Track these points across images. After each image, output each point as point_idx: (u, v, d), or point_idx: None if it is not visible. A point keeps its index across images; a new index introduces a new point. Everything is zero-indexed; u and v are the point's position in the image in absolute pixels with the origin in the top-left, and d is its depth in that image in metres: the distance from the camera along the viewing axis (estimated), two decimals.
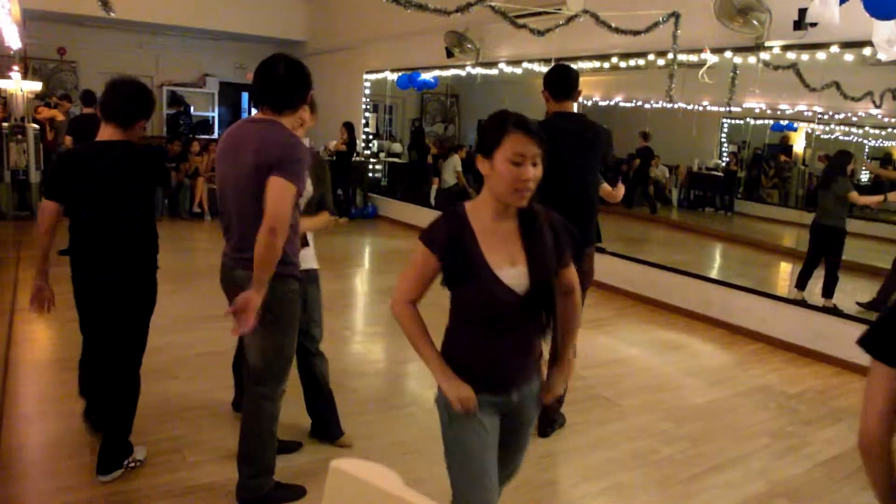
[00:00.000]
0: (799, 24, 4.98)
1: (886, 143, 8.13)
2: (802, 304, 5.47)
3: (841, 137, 7.86)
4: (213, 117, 13.64)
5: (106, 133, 2.76)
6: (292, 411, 3.31)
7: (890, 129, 7.81)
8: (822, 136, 8.01)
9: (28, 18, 9.67)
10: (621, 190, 3.84)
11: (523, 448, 2.08)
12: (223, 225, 2.63)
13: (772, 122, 8.84)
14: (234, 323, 2.38)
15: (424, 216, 9.94)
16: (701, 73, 5.65)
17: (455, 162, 10.14)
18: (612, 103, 9.15)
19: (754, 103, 7.49)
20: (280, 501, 2.73)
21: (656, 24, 5.84)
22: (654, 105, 8.55)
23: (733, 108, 7.20)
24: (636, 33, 5.90)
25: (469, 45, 8.29)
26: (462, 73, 8.88)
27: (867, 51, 4.79)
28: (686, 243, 9.32)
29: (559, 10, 6.26)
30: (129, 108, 2.76)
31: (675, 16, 5.78)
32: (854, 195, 5.55)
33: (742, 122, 9.11)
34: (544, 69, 7.28)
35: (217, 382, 3.78)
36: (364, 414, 3.64)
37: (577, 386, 4.14)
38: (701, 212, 10.13)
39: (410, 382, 4.37)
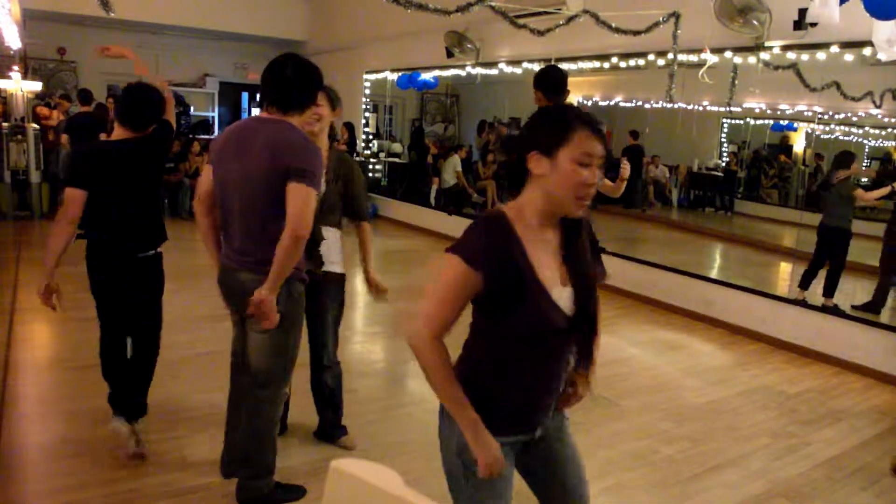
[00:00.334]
0: (799, 24, 4.98)
1: (886, 143, 8.13)
2: (803, 304, 5.47)
3: (841, 137, 7.86)
4: (213, 117, 13.64)
5: (121, 133, 3.02)
6: (293, 412, 3.31)
7: (890, 129, 7.81)
8: (822, 136, 8.01)
9: (28, 18, 9.68)
10: (622, 185, 3.93)
11: (575, 473, 1.75)
12: (222, 224, 2.60)
13: (772, 122, 8.84)
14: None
15: (424, 216, 9.95)
16: (701, 73, 5.65)
17: (455, 162, 10.14)
18: (612, 103, 9.15)
19: (754, 103, 7.50)
20: (280, 502, 2.72)
21: (656, 24, 5.84)
22: (654, 105, 8.54)
23: (733, 108, 7.21)
24: (636, 33, 5.90)
25: (469, 45, 8.29)
26: (462, 73, 8.88)
27: (867, 51, 4.79)
28: (686, 243, 9.32)
29: (559, 10, 6.26)
30: (146, 113, 3.05)
31: (675, 16, 5.78)
32: (860, 192, 5.54)
33: (742, 122, 9.11)
34: None
35: (217, 382, 3.76)
36: (364, 414, 3.64)
37: None
38: (701, 212, 10.13)
39: (410, 382, 4.37)
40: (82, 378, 3.84)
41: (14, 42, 8.46)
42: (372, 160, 11.25)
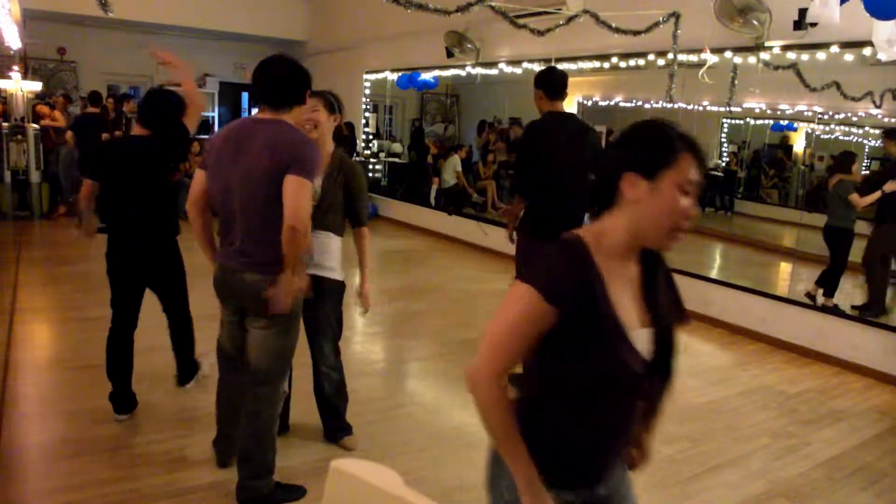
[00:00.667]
0: (799, 24, 4.98)
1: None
2: (802, 304, 5.47)
3: (841, 137, 7.85)
4: (213, 117, 13.64)
5: (138, 131, 3.41)
6: (295, 412, 3.32)
7: None
8: (822, 137, 8.01)
9: (28, 18, 9.68)
10: None
11: None
12: (221, 225, 2.61)
13: (772, 122, 8.84)
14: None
15: (424, 216, 9.95)
16: (701, 73, 5.66)
17: (455, 162, 10.15)
18: (612, 103, 9.14)
19: (754, 103, 7.49)
20: (280, 502, 2.73)
21: (656, 24, 5.84)
22: (654, 105, 8.53)
23: (733, 108, 7.20)
24: (636, 33, 5.90)
25: (469, 45, 8.29)
26: (462, 73, 8.88)
27: (867, 51, 4.79)
28: (686, 243, 9.22)
29: (559, 10, 6.26)
30: (160, 114, 3.37)
31: (675, 16, 5.78)
32: (854, 197, 5.55)
33: (742, 122, 9.10)
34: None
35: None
36: (364, 414, 3.64)
37: None
38: (701, 212, 10.12)
39: (410, 382, 4.37)
40: (82, 378, 3.85)
41: (14, 42, 8.46)
42: (372, 160, 11.25)
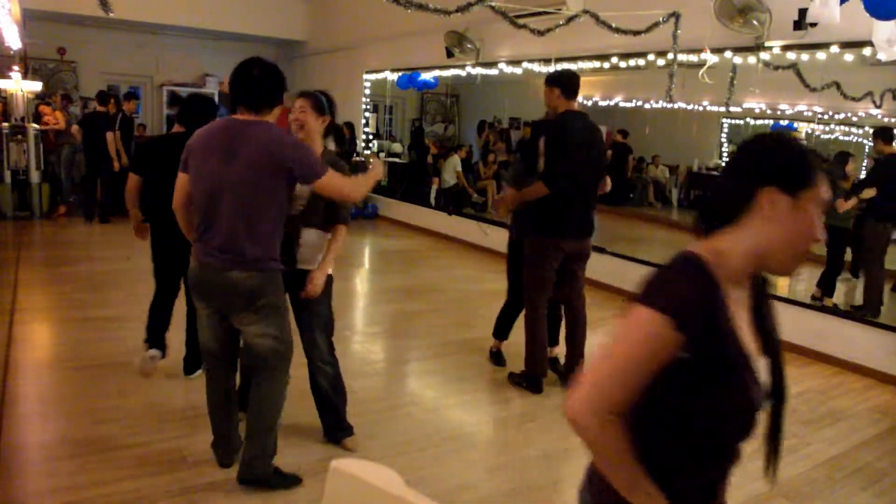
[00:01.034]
0: (799, 24, 4.98)
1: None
2: (802, 304, 5.47)
3: (841, 137, 7.85)
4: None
5: (177, 129, 3.75)
6: (295, 412, 3.31)
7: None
8: (822, 137, 8.00)
9: (28, 18, 9.68)
10: (608, 182, 4.19)
11: None
12: (201, 223, 2.62)
13: (772, 122, 8.84)
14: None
15: (424, 216, 9.95)
16: (701, 73, 5.65)
17: (455, 162, 10.15)
18: (612, 103, 9.14)
19: (754, 103, 7.49)
20: (277, 486, 2.81)
21: (656, 24, 5.84)
22: (654, 105, 8.54)
23: (733, 108, 7.19)
24: (636, 33, 5.90)
25: (469, 45, 8.29)
26: (462, 73, 8.88)
27: (867, 51, 4.79)
28: (686, 243, 9.27)
29: (559, 10, 6.26)
30: (194, 114, 3.65)
31: (675, 16, 5.78)
32: (839, 201, 5.60)
33: (742, 122, 9.10)
34: (544, 69, 7.33)
35: None
36: (364, 414, 3.64)
37: None
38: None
39: (410, 382, 4.37)
40: (82, 378, 3.85)
41: (14, 42, 8.46)
42: (372, 160, 11.25)
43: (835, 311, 5.35)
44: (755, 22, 5.15)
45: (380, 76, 10.63)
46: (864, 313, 5.31)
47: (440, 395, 4.08)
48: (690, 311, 1.11)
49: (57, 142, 9.25)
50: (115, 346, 4.35)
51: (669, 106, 6.50)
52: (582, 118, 3.98)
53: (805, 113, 7.31)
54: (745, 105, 7.39)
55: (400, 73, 9.98)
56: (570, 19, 6.16)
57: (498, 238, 7.60)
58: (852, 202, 5.61)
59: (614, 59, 6.69)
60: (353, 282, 7.10)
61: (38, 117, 9.11)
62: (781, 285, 6.80)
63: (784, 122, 8.67)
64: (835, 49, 5.01)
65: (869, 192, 5.52)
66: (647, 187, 10.20)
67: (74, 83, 12.20)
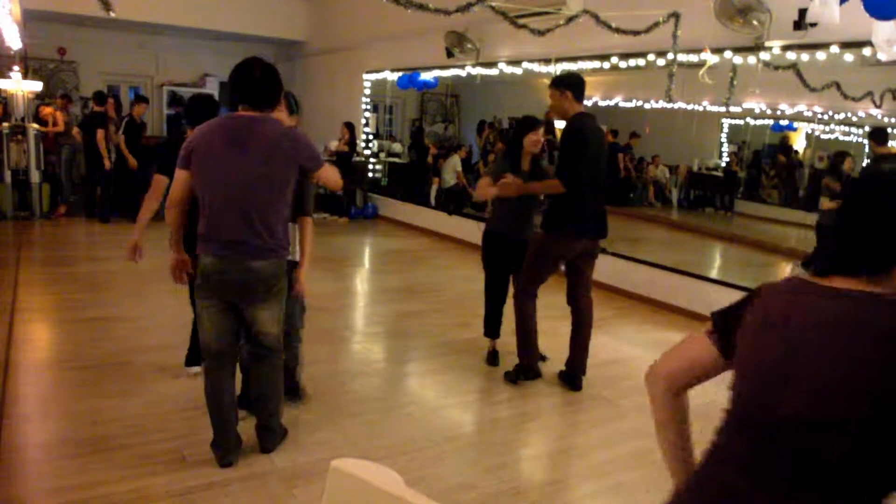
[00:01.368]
0: (799, 24, 4.98)
1: (890, 144, 8.13)
2: None
3: (841, 137, 7.85)
4: None
5: (191, 131, 3.60)
6: (293, 412, 3.31)
7: (890, 130, 7.82)
8: (821, 137, 8.01)
9: (28, 18, 9.67)
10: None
11: None
12: (210, 218, 2.69)
13: (772, 122, 8.84)
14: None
15: (424, 216, 9.95)
16: (701, 73, 5.65)
17: (455, 162, 10.14)
18: (612, 103, 9.14)
19: (754, 103, 7.49)
20: (284, 436, 3.17)
21: (656, 24, 5.84)
22: (654, 105, 8.54)
23: (733, 108, 7.20)
24: (636, 33, 5.90)
25: (469, 45, 8.29)
26: (462, 73, 8.87)
27: (867, 51, 4.79)
28: (686, 243, 9.32)
29: (559, 10, 6.26)
30: (199, 115, 3.61)
31: (675, 16, 5.77)
32: (824, 200, 5.69)
33: (742, 122, 9.10)
34: (544, 69, 7.34)
35: None
36: (364, 414, 3.64)
37: None
38: (701, 212, 10.13)
39: (410, 382, 4.37)
40: (82, 378, 3.85)
41: (14, 42, 8.46)
42: (372, 160, 11.25)
43: None
44: (755, 22, 5.15)
45: (380, 76, 10.63)
46: None
47: (440, 395, 4.08)
48: None
49: (57, 142, 9.25)
50: (115, 346, 4.36)
51: (669, 106, 6.50)
52: (592, 120, 4.02)
53: (805, 113, 7.32)
54: (745, 105, 7.39)
55: (400, 73, 9.98)
56: (570, 19, 6.16)
57: None
58: (833, 204, 5.70)
59: (614, 59, 6.68)
60: (353, 282, 7.10)
61: (40, 120, 9.12)
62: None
63: (784, 122, 8.68)
64: (835, 49, 5.01)
65: (831, 205, 5.71)
66: (648, 187, 10.21)
67: (74, 83, 12.20)
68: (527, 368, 4.19)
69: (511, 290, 4.55)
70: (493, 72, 8.41)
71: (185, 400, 3.64)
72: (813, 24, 4.78)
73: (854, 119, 7.34)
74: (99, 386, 3.75)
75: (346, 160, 10.34)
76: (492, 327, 4.57)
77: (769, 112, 8.09)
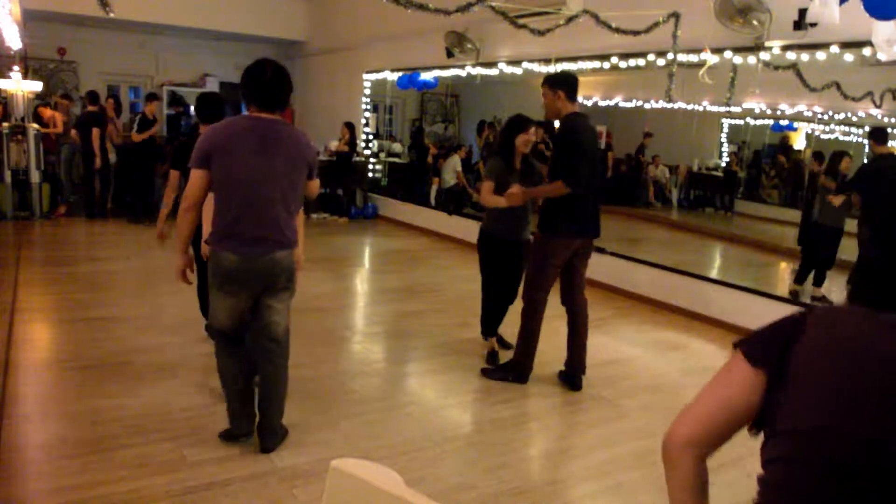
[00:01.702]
0: (799, 25, 4.98)
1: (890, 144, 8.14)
2: (802, 304, 5.47)
3: (841, 137, 7.86)
4: None
5: (204, 128, 3.72)
6: (293, 412, 3.31)
7: (890, 129, 7.82)
8: (821, 137, 8.01)
9: (28, 18, 9.67)
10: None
11: None
12: (233, 215, 2.78)
13: (772, 122, 8.84)
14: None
15: (424, 216, 9.95)
16: (701, 73, 5.65)
17: (455, 162, 10.14)
18: (612, 103, 9.14)
19: (754, 103, 7.49)
20: (285, 436, 3.21)
21: (656, 24, 5.84)
22: (654, 105, 8.54)
23: (733, 108, 7.20)
24: (636, 33, 5.90)
25: (469, 45, 8.29)
26: (462, 73, 8.87)
27: (867, 51, 4.79)
28: (686, 243, 9.32)
29: (559, 10, 6.26)
30: (209, 112, 3.93)
31: (675, 16, 5.77)
32: (830, 196, 5.75)
33: (742, 122, 9.10)
34: (544, 69, 7.33)
35: (217, 382, 3.77)
36: (364, 414, 3.64)
37: None
38: (701, 212, 10.13)
39: (410, 382, 4.37)
40: (82, 378, 3.85)
41: (14, 42, 8.46)
42: (372, 160, 11.25)
43: (823, 302, 5.39)
44: (755, 22, 5.15)
45: (380, 76, 10.63)
46: None
47: (440, 395, 4.08)
48: None
49: (57, 142, 9.25)
50: (115, 346, 4.36)
51: (669, 106, 6.50)
52: (586, 119, 4.02)
53: (805, 113, 7.32)
54: (745, 105, 7.40)
55: (400, 73, 9.97)
56: (570, 19, 6.16)
57: None
58: (841, 197, 5.74)
59: (614, 59, 6.68)
60: (353, 282, 7.10)
61: (40, 120, 9.12)
62: (781, 285, 6.80)
63: (784, 122, 8.69)
64: (835, 49, 5.01)
65: (837, 200, 5.77)
66: (648, 187, 10.21)
67: (74, 83, 12.19)
68: (518, 367, 4.19)
69: (510, 290, 4.55)
70: (493, 72, 8.41)
71: (185, 400, 3.64)
72: (813, 24, 4.78)
73: (854, 119, 7.34)
74: (99, 386, 3.75)
75: (346, 160, 10.35)
76: (489, 327, 4.57)
77: (769, 112, 8.09)
